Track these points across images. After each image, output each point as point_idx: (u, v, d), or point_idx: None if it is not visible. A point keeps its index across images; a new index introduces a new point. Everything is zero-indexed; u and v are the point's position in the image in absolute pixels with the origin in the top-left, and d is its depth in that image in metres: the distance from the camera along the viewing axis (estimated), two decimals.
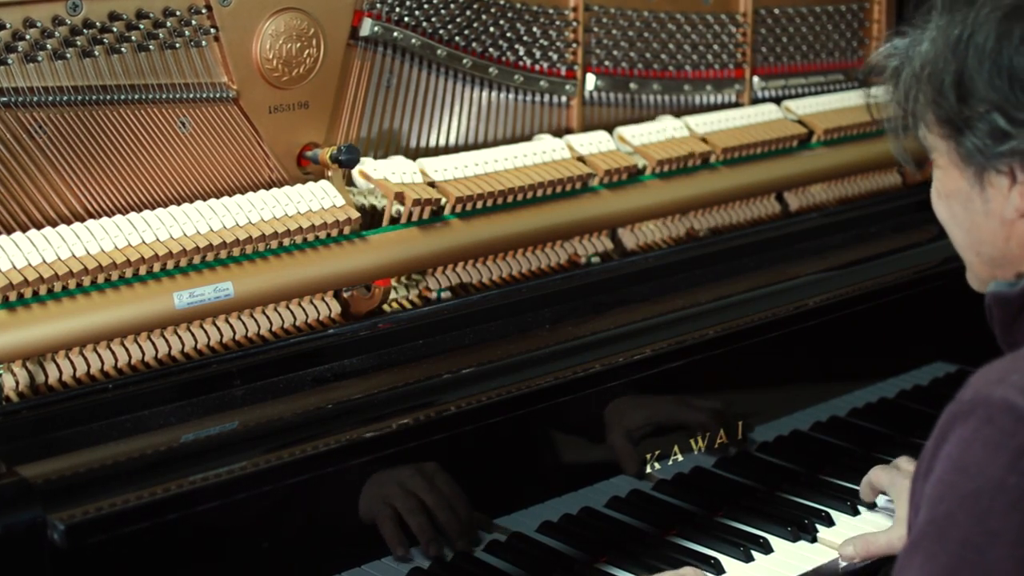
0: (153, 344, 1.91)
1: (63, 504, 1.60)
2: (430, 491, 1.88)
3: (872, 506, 2.23)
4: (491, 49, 2.39)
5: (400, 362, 2.02)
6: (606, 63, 2.55)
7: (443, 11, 2.31)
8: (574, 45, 2.49)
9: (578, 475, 2.08)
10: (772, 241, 2.54)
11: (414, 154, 2.32)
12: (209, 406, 1.86)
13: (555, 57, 2.48)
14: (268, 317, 2.01)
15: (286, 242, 2.03)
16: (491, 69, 2.39)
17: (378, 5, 2.23)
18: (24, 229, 1.88)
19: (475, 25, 2.36)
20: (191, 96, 2.06)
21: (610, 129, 2.49)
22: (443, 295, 2.19)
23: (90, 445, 1.75)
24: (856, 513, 2.22)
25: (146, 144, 2.02)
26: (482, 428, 1.93)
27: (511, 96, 2.44)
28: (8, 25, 1.89)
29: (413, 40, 2.28)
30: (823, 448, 2.38)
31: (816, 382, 2.40)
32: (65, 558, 1.58)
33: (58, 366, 1.85)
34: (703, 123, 2.57)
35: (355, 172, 2.20)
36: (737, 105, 2.73)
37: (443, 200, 2.19)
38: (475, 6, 2.35)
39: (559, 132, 2.48)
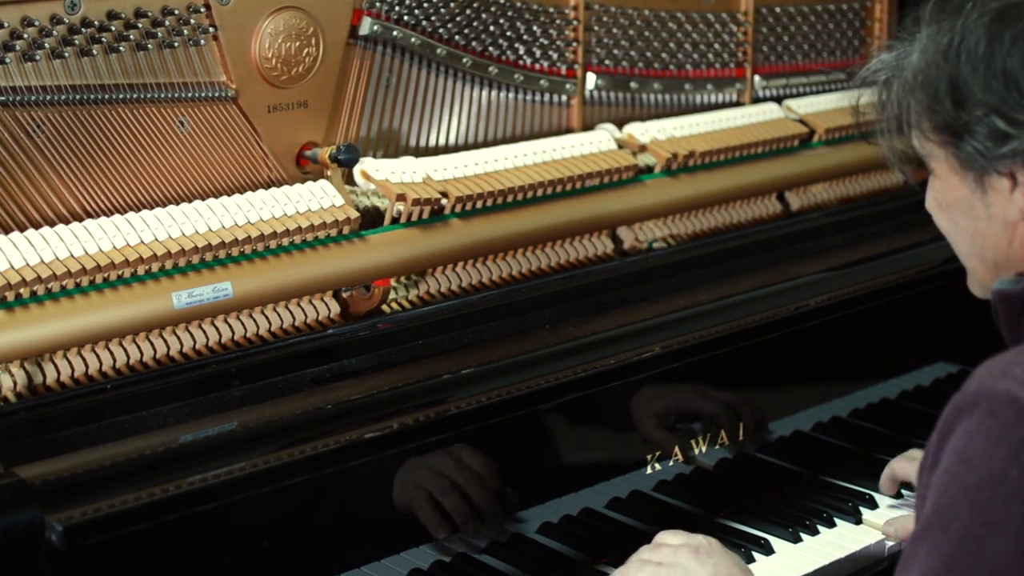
0: (152, 344, 1.91)
1: (61, 505, 1.59)
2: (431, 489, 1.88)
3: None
4: (491, 48, 2.38)
5: (400, 362, 2.01)
6: (607, 62, 2.55)
7: (443, 10, 2.30)
8: (574, 44, 2.49)
9: (578, 476, 2.07)
10: (773, 241, 2.54)
11: (414, 153, 2.31)
12: (208, 407, 1.86)
13: (555, 56, 2.47)
14: (267, 317, 2.01)
15: (285, 242, 2.02)
16: (491, 68, 2.39)
17: (377, 4, 2.22)
18: (22, 229, 1.87)
19: (475, 24, 2.35)
20: (190, 95, 2.05)
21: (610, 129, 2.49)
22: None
23: (88, 446, 1.74)
24: (858, 514, 2.21)
25: (144, 143, 2.02)
26: (482, 429, 1.92)
27: (511, 95, 2.43)
28: (6, 24, 1.88)
29: (413, 39, 2.27)
30: (824, 449, 2.37)
31: (817, 382, 2.40)
32: (63, 559, 1.58)
33: (56, 366, 1.84)
34: (704, 122, 2.57)
35: (356, 172, 2.19)
36: (738, 104, 2.73)
37: (443, 200, 2.19)
38: (475, 5, 2.35)
39: (559, 131, 2.48)
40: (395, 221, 2.16)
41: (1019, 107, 1.53)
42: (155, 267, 1.91)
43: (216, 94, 2.07)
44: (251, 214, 2.00)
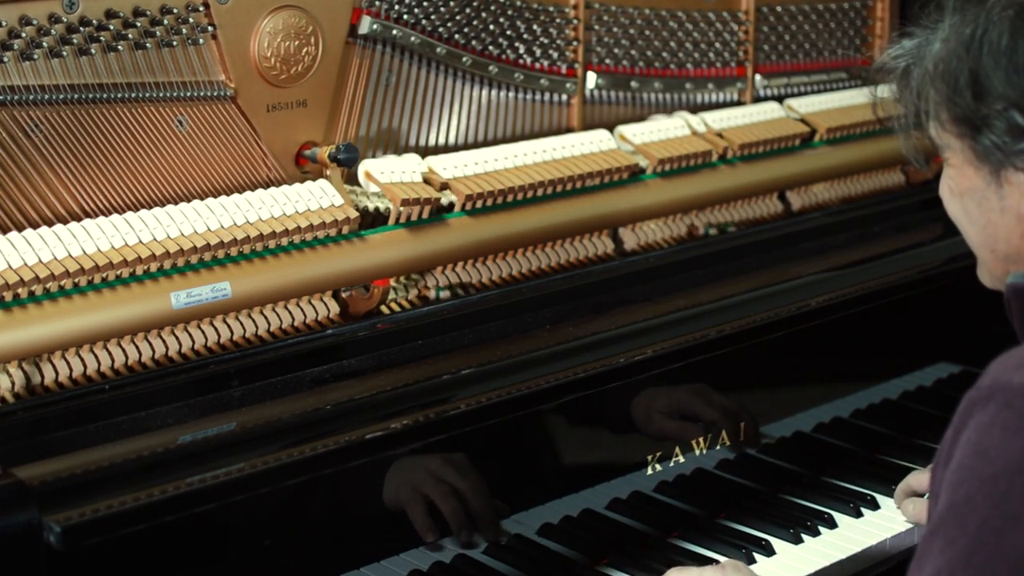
0: (150, 344, 1.90)
1: (59, 506, 1.59)
2: (430, 493, 1.87)
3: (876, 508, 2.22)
4: (491, 47, 2.38)
5: (399, 363, 2.01)
6: (607, 61, 2.54)
7: (442, 9, 2.30)
8: (575, 43, 2.48)
9: (579, 477, 2.07)
10: (774, 241, 2.53)
11: (413, 153, 2.30)
12: (207, 407, 1.85)
13: (555, 55, 2.46)
14: (266, 317, 2.00)
15: (284, 242, 2.02)
16: (491, 67, 2.38)
17: (377, 3, 2.21)
18: (20, 228, 1.87)
19: (475, 23, 2.35)
20: (188, 94, 2.04)
21: (611, 128, 2.48)
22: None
23: (87, 446, 1.74)
24: (859, 515, 2.21)
25: (143, 143, 2.01)
26: (482, 429, 1.92)
27: (511, 94, 2.43)
28: (4, 23, 1.88)
29: (412, 38, 2.27)
30: (826, 449, 2.37)
31: (819, 383, 2.39)
32: (61, 560, 1.57)
33: (54, 367, 1.84)
34: (704, 122, 2.56)
35: (360, 172, 2.18)
36: (739, 103, 2.72)
37: (442, 199, 2.18)
38: (475, 3, 2.34)
39: (559, 131, 2.47)
40: (397, 221, 2.15)
41: None
42: (153, 267, 1.90)
43: (215, 93, 2.07)
44: (250, 214, 1.99)
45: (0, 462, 1.63)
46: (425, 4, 2.27)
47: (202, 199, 1.99)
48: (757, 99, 2.75)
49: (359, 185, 2.19)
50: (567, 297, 2.25)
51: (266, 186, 2.10)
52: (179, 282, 1.91)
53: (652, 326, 2.17)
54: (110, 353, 1.87)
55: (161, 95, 2.02)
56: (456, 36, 2.33)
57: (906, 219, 2.68)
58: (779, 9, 2.78)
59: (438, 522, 1.88)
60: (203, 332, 1.94)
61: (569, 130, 2.49)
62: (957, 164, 1.61)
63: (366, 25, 2.21)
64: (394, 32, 2.24)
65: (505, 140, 2.41)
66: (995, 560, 1.37)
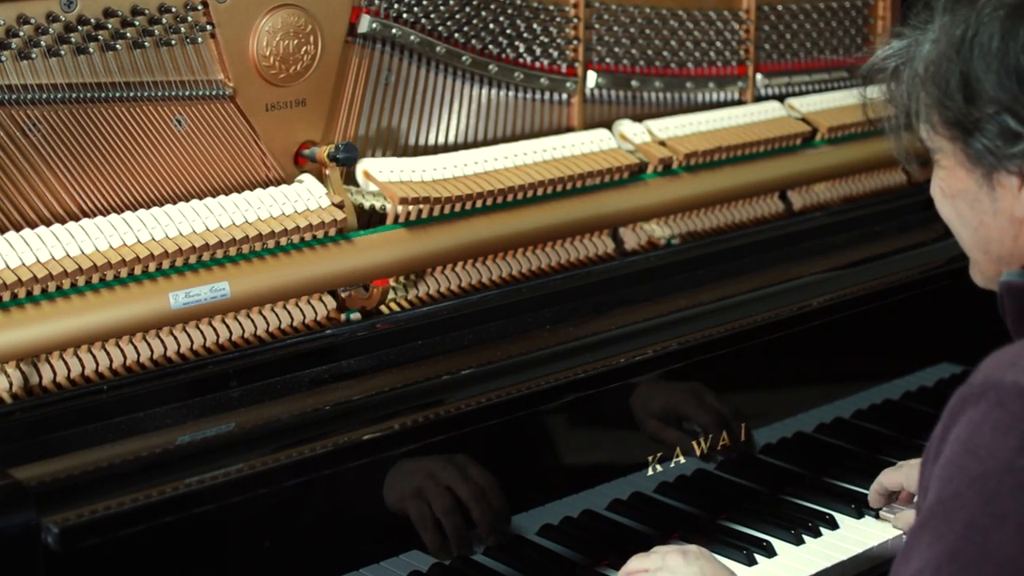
0: (148, 345, 1.90)
1: (57, 507, 1.59)
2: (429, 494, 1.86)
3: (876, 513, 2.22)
4: (491, 46, 2.37)
5: (399, 363, 2.00)
6: (607, 60, 2.53)
7: (442, 7, 2.29)
8: (575, 42, 2.47)
9: (579, 477, 2.06)
10: (775, 240, 2.53)
11: (413, 152, 2.30)
12: (205, 407, 1.85)
13: (556, 54, 2.46)
14: (265, 317, 2.00)
15: (283, 241, 2.01)
16: (491, 66, 2.37)
17: (376, 1, 2.21)
18: (18, 228, 1.87)
19: (475, 22, 2.34)
20: (187, 93, 2.04)
21: (610, 127, 2.48)
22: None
23: (85, 447, 1.74)
24: (860, 516, 2.20)
25: (141, 142, 2.00)
26: (481, 430, 1.91)
27: (511, 94, 2.42)
28: (2, 22, 1.87)
29: (412, 37, 2.26)
30: (827, 450, 2.36)
31: (820, 383, 2.39)
32: (59, 561, 1.57)
33: (52, 367, 1.83)
34: (704, 121, 2.55)
35: (359, 172, 2.17)
36: (740, 103, 2.71)
37: (443, 199, 2.18)
38: (474, 2, 2.33)
39: (559, 130, 2.46)
40: (396, 221, 2.15)
41: None
42: (152, 267, 1.90)
43: (213, 92, 2.06)
44: (249, 213, 1.99)
45: None
46: (425, 3, 2.27)
47: (201, 199, 1.99)
48: (758, 98, 2.74)
49: (357, 185, 2.19)
50: (567, 297, 2.24)
51: (265, 186, 2.10)
52: (177, 282, 1.90)
53: (652, 326, 2.17)
54: (108, 353, 1.87)
55: (159, 94, 2.01)
56: (456, 35, 2.32)
57: (908, 219, 2.67)
58: (780, 8, 2.77)
59: (438, 524, 1.88)
60: (202, 332, 1.94)
61: (569, 129, 2.48)
62: (949, 166, 1.61)
63: (365, 24, 2.20)
64: (393, 31, 2.23)
65: (505, 140, 2.40)
66: (980, 559, 1.37)
